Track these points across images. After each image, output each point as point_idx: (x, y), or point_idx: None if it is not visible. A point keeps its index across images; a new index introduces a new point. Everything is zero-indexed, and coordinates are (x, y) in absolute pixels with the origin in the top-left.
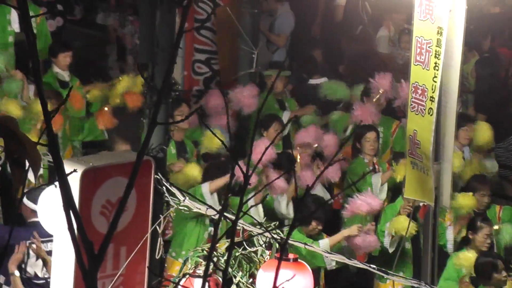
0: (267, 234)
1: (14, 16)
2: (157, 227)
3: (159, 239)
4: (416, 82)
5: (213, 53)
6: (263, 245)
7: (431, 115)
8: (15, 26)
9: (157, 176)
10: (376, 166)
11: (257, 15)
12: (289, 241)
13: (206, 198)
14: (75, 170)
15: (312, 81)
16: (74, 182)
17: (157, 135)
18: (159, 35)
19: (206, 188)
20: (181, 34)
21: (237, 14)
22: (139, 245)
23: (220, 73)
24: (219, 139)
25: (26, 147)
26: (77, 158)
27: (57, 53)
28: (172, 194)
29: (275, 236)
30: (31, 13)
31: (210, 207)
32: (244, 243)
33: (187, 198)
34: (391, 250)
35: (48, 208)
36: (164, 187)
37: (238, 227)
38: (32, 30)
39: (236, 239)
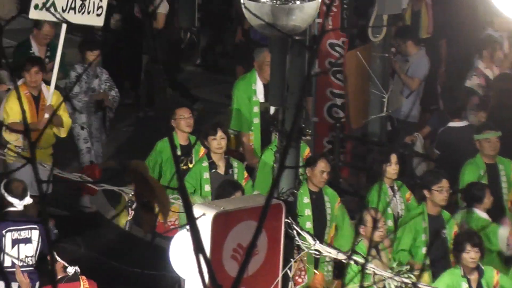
0: (397, 278)
1: (259, 86)
2: (288, 271)
3: (290, 283)
4: None
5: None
6: None
7: None
8: (260, 96)
9: (288, 220)
10: None
11: (388, 59)
12: (420, 286)
13: None
14: (204, 214)
15: (452, 124)
16: (206, 225)
17: (287, 178)
18: (289, 79)
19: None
20: (309, 78)
21: (368, 58)
22: None
23: (350, 118)
24: None
25: (155, 191)
26: (208, 202)
27: None
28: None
29: (406, 280)
30: None
31: (339, 250)
32: (375, 286)
33: (317, 242)
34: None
35: (180, 251)
36: (294, 231)
37: (368, 271)
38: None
39: (366, 284)
